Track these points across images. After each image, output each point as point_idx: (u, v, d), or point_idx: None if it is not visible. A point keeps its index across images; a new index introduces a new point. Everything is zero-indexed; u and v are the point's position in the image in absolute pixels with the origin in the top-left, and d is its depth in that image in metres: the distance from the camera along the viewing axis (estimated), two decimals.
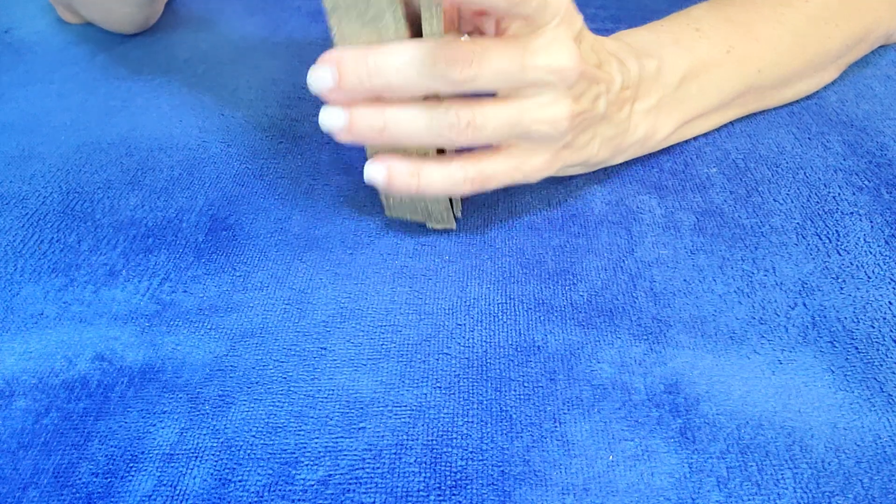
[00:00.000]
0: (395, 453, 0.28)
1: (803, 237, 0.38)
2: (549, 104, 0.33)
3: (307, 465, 0.28)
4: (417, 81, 0.31)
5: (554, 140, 0.34)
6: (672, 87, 0.40)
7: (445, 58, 0.30)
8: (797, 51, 0.44)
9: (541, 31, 0.31)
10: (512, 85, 0.32)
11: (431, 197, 0.36)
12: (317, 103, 0.49)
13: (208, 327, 0.34)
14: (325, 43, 0.57)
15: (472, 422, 0.29)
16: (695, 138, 0.45)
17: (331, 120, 0.33)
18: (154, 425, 0.30)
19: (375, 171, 0.34)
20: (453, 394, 0.31)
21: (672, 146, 0.44)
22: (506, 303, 0.35)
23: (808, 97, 0.48)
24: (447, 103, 0.32)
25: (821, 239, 0.38)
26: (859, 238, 0.38)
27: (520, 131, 0.33)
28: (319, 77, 0.32)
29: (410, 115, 0.32)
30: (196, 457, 0.28)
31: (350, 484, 0.27)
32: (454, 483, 0.27)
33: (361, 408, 0.30)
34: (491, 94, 0.33)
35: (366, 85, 0.31)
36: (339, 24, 0.32)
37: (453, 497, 0.27)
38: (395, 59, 0.31)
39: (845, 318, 0.34)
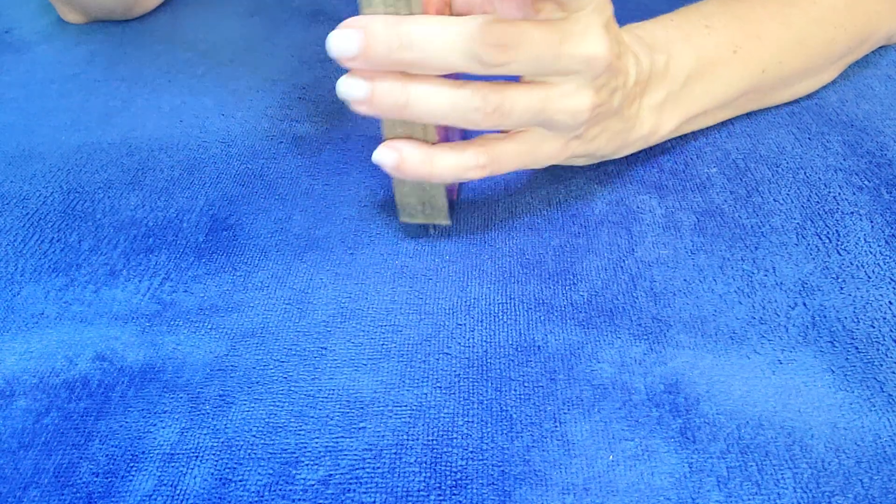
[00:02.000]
0: (395, 453, 0.28)
1: (803, 237, 0.38)
2: (573, 93, 0.32)
3: (307, 464, 0.28)
4: (450, 59, 0.30)
5: (572, 130, 0.34)
6: (679, 84, 0.40)
7: (483, 40, 0.29)
8: (801, 52, 0.44)
9: (576, 17, 0.31)
10: (542, 72, 0.31)
11: (439, 180, 0.35)
12: (317, 104, 0.49)
13: (209, 327, 0.34)
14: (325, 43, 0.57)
15: (473, 421, 0.30)
16: (695, 138, 0.45)
17: (351, 90, 0.31)
18: (154, 425, 0.30)
19: (387, 156, 0.33)
20: (453, 394, 0.31)
21: (672, 146, 0.44)
22: (506, 303, 0.35)
23: (808, 97, 0.48)
24: (475, 85, 0.31)
25: (821, 239, 0.38)
26: (859, 238, 0.38)
27: (542, 119, 0.33)
28: (343, 41, 0.30)
29: (436, 94, 0.31)
30: (196, 456, 0.28)
31: (350, 483, 0.27)
32: (454, 483, 0.27)
33: (362, 407, 0.30)
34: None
35: (394, 56, 0.30)
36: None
37: (453, 497, 0.27)
38: (429, 33, 0.29)
39: (845, 317, 0.34)
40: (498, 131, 0.35)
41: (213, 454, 0.29)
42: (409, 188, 0.36)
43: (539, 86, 0.32)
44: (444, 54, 0.30)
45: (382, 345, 0.33)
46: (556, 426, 0.29)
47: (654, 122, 0.40)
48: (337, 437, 0.29)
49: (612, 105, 0.35)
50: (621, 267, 0.36)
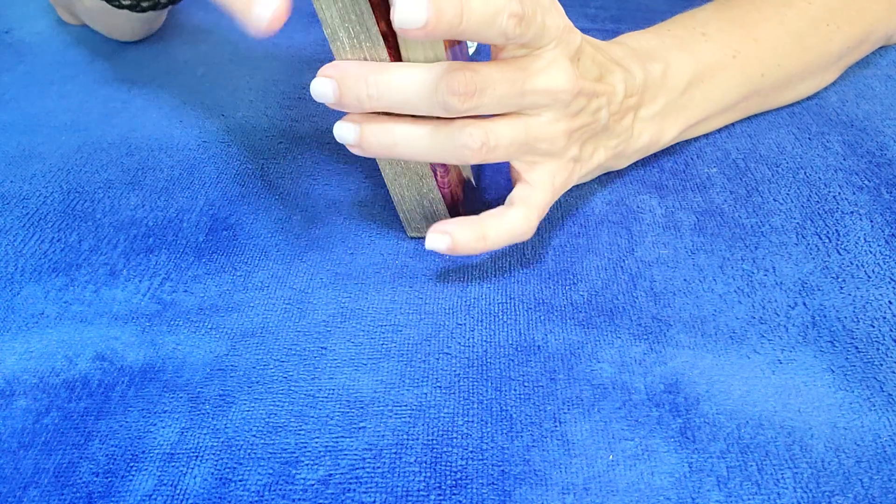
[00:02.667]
0: (395, 453, 0.28)
1: (803, 237, 0.38)
2: (548, 123, 0.33)
3: (307, 464, 0.28)
4: (418, 105, 0.31)
5: (557, 155, 0.35)
6: (678, 92, 0.40)
7: (447, 88, 0.30)
8: (799, 54, 0.44)
9: (538, 55, 0.32)
10: (511, 109, 0.32)
11: (494, 248, 0.36)
12: (317, 104, 0.49)
13: (209, 327, 0.34)
14: (325, 43, 0.57)
15: (473, 421, 0.30)
16: (695, 138, 0.45)
17: (343, 134, 0.33)
18: (154, 425, 0.30)
19: (439, 241, 0.34)
20: (453, 393, 0.31)
21: (672, 146, 0.44)
22: (506, 302, 0.35)
23: (808, 97, 0.48)
24: (459, 122, 0.32)
25: (821, 238, 0.38)
26: (859, 238, 0.38)
27: (527, 148, 0.34)
28: (320, 90, 0.32)
29: (421, 134, 0.32)
30: (196, 456, 0.28)
31: (350, 483, 0.27)
32: (454, 482, 0.27)
33: (362, 407, 0.30)
34: None
35: (365, 105, 0.32)
36: (338, 52, 0.32)
37: (453, 496, 0.27)
38: (395, 81, 0.31)
39: (845, 317, 0.34)
40: None
41: (214, 454, 0.29)
42: (409, 205, 0.37)
43: (518, 117, 0.33)
44: (412, 103, 0.31)
45: (382, 344, 0.33)
46: (556, 426, 0.29)
47: (654, 132, 0.40)
48: (337, 437, 0.29)
49: (599, 123, 0.36)
50: (621, 267, 0.36)
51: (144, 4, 0.46)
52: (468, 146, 0.32)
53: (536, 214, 0.35)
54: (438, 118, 0.32)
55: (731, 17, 0.43)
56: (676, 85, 0.40)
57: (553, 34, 0.32)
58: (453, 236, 0.34)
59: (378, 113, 0.33)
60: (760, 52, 0.43)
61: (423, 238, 0.39)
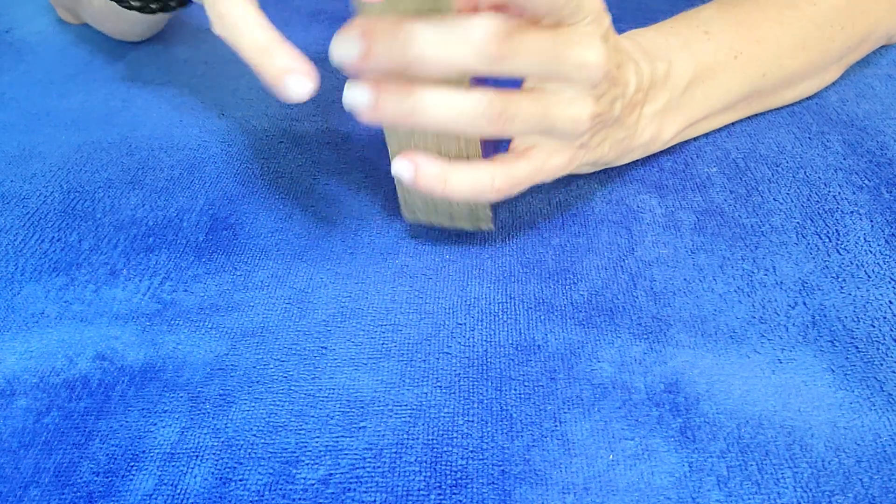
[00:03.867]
0: (395, 452, 0.28)
1: (803, 236, 0.38)
2: (573, 101, 0.33)
3: (308, 464, 0.28)
4: (453, 56, 0.29)
5: (574, 138, 0.34)
6: (679, 91, 0.40)
7: (485, 32, 0.29)
8: (801, 54, 0.44)
9: (574, 27, 0.31)
10: (544, 73, 0.31)
11: (453, 198, 0.35)
12: (317, 103, 0.49)
13: (209, 326, 0.34)
14: (326, 43, 0.57)
15: (473, 421, 0.30)
16: (695, 138, 0.45)
17: (355, 97, 0.30)
18: (155, 424, 0.30)
19: (403, 168, 0.33)
20: (454, 393, 0.31)
21: (672, 146, 0.44)
22: (506, 302, 0.35)
23: (808, 97, 0.48)
24: (480, 90, 0.31)
25: (821, 238, 0.38)
26: (859, 237, 0.38)
27: (545, 126, 0.33)
28: (346, 44, 0.29)
29: (442, 99, 0.30)
30: (197, 456, 0.28)
31: (351, 483, 0.27)
32: (454, 482, 0.27)
33: (362, 407, 0.30)
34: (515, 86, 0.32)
35: (396, 57, 0.29)
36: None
37: (454, 496, 0.27)
38: (431, 31, 0.29)
39: (845, 317, 0.34)
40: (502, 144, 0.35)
41: (214, 453, 0.29)
42: (430, 203, 0.36)
43: (541, 93, 0.32)
44: (446, 48, 0.29)
45: (382, 344, 0.33)
46: (556, 425, 0.29)
47: (655, 129, 0.40)
48: (337, 437, 0.29)
49: (613, 114, 0.35)
50: (621, 266, 0.36)
51: (154, 6, 0.46)
52: (486, 114, 0.31)
53: (508, 183, 0.34)
54: (458, 86, 0.31)
55: (734, 17, 0.43)
56: (678, 83, 0.40)
57: (589, 9, 0.31)
58: (418, 167, 0.33)
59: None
60: (762, 53, 0.43)
61: (419, 223, 0.39)
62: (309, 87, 0.30)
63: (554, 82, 0.32)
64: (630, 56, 0.37)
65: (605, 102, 0.34)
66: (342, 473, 0.28)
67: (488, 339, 0.33)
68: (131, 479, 0.28)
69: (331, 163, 0.44)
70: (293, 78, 0.30)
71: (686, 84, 0.40)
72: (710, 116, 0.43)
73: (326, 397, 0.31)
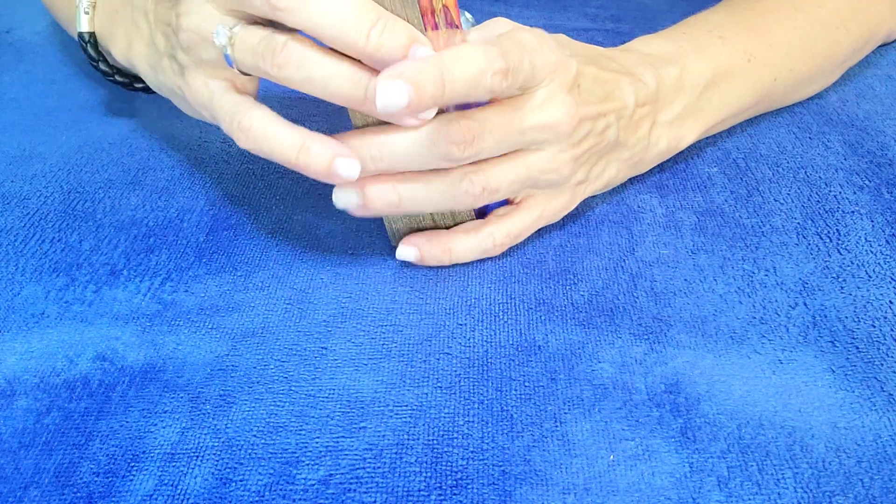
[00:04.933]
0: (396, 453, 0.28)
1: (804, 237, 0.38)
2: (552, 156, 0.34)
3: (308, 464, 0.28)
4: (421, 160, 0.32)
5: (564, 182, 0.35)
6: (695, 95, 0.39)
7: (446, 138, 0.30)
8: (810, 57, 0.44)
9: (532, 92, 0.32)
10: (513, 148, 0.33)
11: (462, 261, 0.37)
12: (317, 104, 0.49)
13: (209, 327, 0.34)
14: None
15: (473, 421, 0.30)
16: None
17: (346, 199, 0.33)
18: (155, 425, 0.30)
19: (408, 253, 0.36)
20: (454, 393, 0.31)
21: None
22: (507, 302, 0.35)
23: (808, 97, 0.48)
24: (458, 170, 0.32)
25: (821, 238, 0.38)
26: (860, 237, 0.38)
27: (530, 183, 0.34)
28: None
29: (424, 187, 0.33)
30: (197, 456, 0.28)
31: (351, 483, 0.27)
32: (455, 483, 0.27)
33: (362, 407, 0.30)
34: None
35: (370, 167, 0.32)
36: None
37: (454, 497, 0.27)
38: (395, 140, 0.31)
39: (846, 317, 0.34)
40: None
41: (214, 454, 0.29)
42: (398, 221, 0.37)
43: (517, 155, 0.33)
44: (414, 159, 0.32)
45: (383, 345, 0.33)
46: (556, 426, 0.29)
47: (674, 136, 0.40)
48: (337, 437, 0.29)
49: (607, 141, 0.36)
50: (622, 266, 0.36)
51: (138, 85, 0.46)
52: (469, 192, 0.32)
53: (508, 237, 0.36)
54: (439, 170, 0.32)
55: (745, 21, 0.43)
56: (694, 87, 0.39)
57: (545, 72, 0.32)
58: (420, 249, 0.35)
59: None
60: (774, 57, 0.43)
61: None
62: (357, 166, 0.31)
63: (528, 147, 0.33)
64: (627, 72, 0.37)
65: (593, 137, 0.35)
66: (342, 474, 0.28)
67: (489, 340, 0.33)
68: (131, 480, 0.28)
69: None
70: (341, 163, 0.31)
71: (702, 88, 0.40)
72: (725, 120, 0.43)
73: (327, 398, 0.31)
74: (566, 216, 0.39)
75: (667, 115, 0.39)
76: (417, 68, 0.29)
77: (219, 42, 0.31)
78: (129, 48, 0.40)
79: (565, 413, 0.30)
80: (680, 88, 0.39)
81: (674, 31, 0.42)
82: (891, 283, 0.35)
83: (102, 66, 0.44)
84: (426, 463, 0.28)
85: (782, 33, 0.43)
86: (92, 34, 0.43)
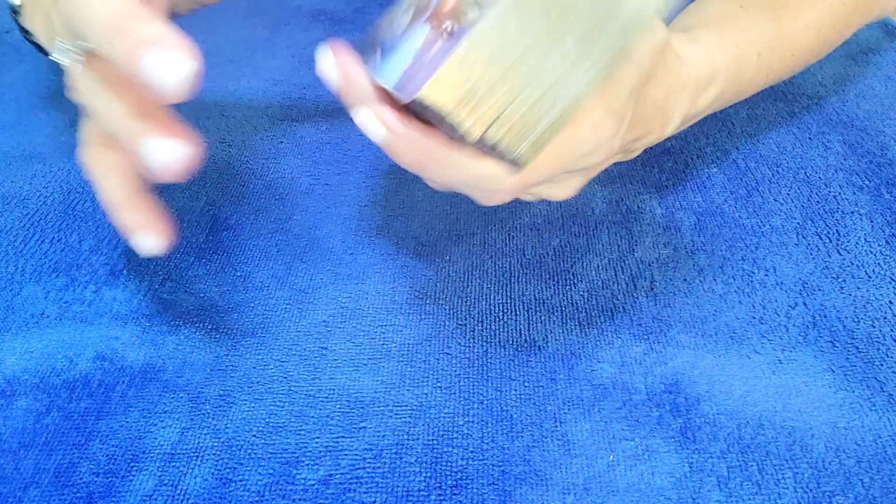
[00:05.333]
0: (395, 453, 0.28)
1: (804, 237, 0.38)
2: (561, 185, 0.31)
3: (308, 464, 0.28)
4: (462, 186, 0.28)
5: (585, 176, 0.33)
6: (704, 108, 0.38)
7: (499, 195, 0.27)
8: (822, 53, 0.44)
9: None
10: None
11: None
12: (317, 104, 0.49)
13: (209, 327, 0.34)
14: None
15: (473, 421, 0.30)
16: (695, 138, 0.45)
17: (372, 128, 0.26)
18: (155, 425, 0.30)
19: (373, 129, 0.27)
20: (454, 393, 0.31)
21: (672, 146, 0.44)
22: (506, 303, 0.35)
23: (808, 97, 0.48)
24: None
25: (821, 239, 0.38)
26: (860, 238, 0.38)
27: (564, 171, 0.30)
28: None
29: (456, 170, 0.27)
30: (197, 456, 0.28)
31: (351, 483, 0.27)
32: (455, 482, 0.27)
33: (362, 407, 0.30)
34: None
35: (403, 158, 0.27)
36: None
37: (454, 496, 0.27)
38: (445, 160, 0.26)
39: (846, 317, 0.34)
40: None
41: (214, 454, 0.29)
42: None
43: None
44: (453, 181, 0.28)
45: (383, 345, 0.33)
46: (556, 426, 0.29)
47: (679, 121, 0.38)
48: (337, 437, 0.29)
49: (634, 148, 0.34)
50: (621, 267, 0.36)
51: None
52: (499, 195, 0.28)
53: (515, 185, 0.29)
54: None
55: (782, 33, 0.40)
56: (707, 99, 0.37)
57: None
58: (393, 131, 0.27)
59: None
60: (793, 65, 0.42)
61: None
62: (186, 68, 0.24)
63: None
64: (661, 119, 0.34)
65: (614, 159, 0.33)
66: (342, 474, 0.28)
67: (488, 340, 0.33)
68: (131, 480, 0.28)
69: (331, 163, 0.44)
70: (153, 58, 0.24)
71: (713, 100, 0.38)
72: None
73: (326, 398, 0.31)
74: (566, 216, 0.39)
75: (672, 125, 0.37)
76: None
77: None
78: (42, 20, 0.36)
79: (565, 413, 0.30)
80: (705, 110, 0.38)
81: (723, 31, 0.38)
82: (890, 283, 0.35)
83: (34, 39, 0.41)
84: (426, 463, 0.28)
85: (806, 40, 0.42)
86: (20, 6, 0.40)
